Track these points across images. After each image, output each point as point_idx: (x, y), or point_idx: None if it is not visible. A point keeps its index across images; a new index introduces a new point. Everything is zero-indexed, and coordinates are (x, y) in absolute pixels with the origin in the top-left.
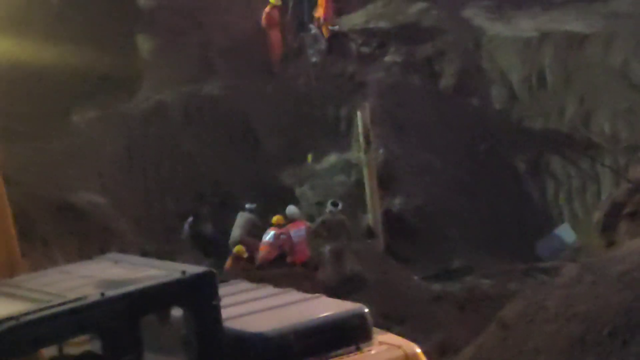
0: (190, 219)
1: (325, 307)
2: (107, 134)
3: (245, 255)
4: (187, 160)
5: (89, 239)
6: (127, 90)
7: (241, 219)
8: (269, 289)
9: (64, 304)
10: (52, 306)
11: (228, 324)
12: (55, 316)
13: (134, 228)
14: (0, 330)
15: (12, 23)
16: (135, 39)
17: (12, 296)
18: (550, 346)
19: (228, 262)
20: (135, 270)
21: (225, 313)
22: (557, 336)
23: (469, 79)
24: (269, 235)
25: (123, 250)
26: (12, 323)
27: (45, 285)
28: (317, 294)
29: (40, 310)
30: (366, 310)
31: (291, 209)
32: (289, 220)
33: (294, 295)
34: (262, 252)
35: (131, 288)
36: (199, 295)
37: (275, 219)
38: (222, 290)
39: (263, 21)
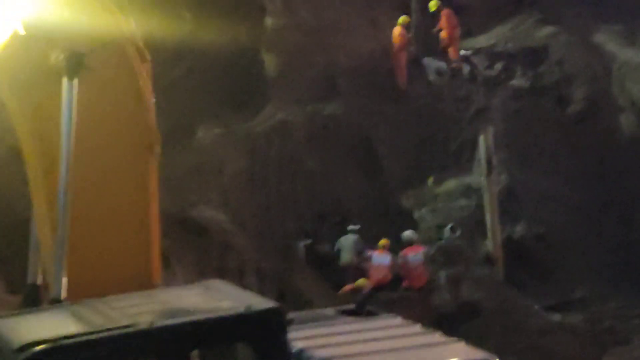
0: (306, 240)
1: (453, 354)
2: (231, 150)
3: (367, 288)
4: (308, 179)
5: (208, 254)
6: (251, 108)
7: (346, 241)
8: (414, 328)
9: (106, 330)
10: (94, 332)
11: None
12: (94, 342)
13: (252, 245)
14: (32, 352)
15: (145, 38)
16: (262, 57)
17: (76, 316)
18: None
19: (346, 288)
20: (214, 300)
21: (347, 350)
22: None
23: (597, 105)
24: (385, 258)
25: (241, 267)
26: (48, 346)
27: (115, 308)
28: (457, 339)
29: (80, 335)
30: None
31: (408, 234)
32: (405, 244)
33: (433, 337)
34: (377, 274)
35: (183, 320)
36: (265, 332)
37: (382, 242)
38: (366, 324)
39: (395, 42)
